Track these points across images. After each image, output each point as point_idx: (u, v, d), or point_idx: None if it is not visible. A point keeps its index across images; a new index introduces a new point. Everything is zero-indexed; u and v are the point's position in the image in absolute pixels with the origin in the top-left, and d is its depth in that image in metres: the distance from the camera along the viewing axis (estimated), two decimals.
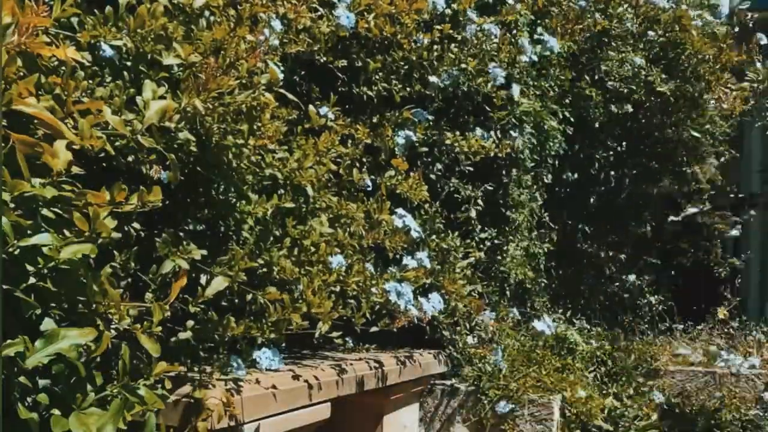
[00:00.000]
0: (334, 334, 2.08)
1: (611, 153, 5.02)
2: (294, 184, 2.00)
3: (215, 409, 1.51)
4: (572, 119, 4.39)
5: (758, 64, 5.03)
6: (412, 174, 2.50)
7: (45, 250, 1.16)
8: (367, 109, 2.67)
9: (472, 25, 2.93)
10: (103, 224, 1.23)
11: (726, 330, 4.46)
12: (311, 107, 2.12)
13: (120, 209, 1.29)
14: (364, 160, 2.48)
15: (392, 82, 2.68)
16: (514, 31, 3.41)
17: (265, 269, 1.85)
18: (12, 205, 1.15)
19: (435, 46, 2.76)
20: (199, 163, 1.75)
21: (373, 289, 2.04)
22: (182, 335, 1.64)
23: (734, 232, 5.76)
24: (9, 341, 1.09)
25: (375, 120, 2.63)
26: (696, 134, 5.05)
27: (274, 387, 1.74)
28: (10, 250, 1.12)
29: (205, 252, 1.61)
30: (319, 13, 2.18)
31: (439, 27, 2.72)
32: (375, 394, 2.24)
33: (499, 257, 3.60)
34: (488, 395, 2.88)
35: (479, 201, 3.43)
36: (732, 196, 6.13)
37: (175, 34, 1.51)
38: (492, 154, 2.98)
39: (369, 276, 2.06)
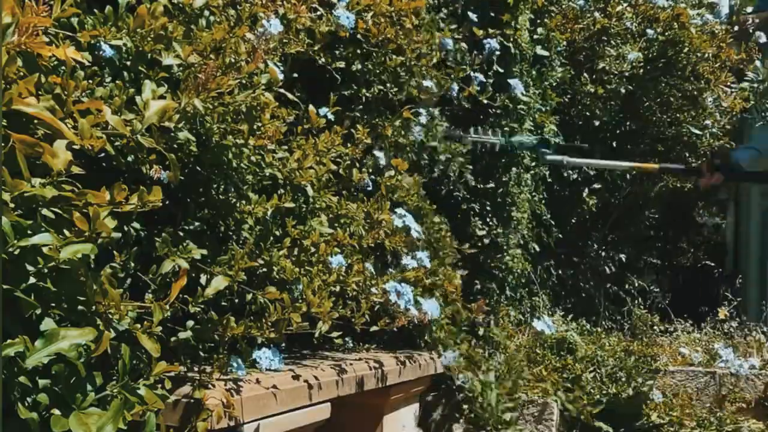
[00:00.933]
0: (334, 334, 2.08)
1: (611, 151, 5.02)
2: (294, 184, 2.00)
3: (215, 409, 1.51)
4: (571, 117, 4.40)
5: (758, 63, 5.03)
6: (414, 176, 2.51)
7: (45, 250, 1.16)
8: (367, 109, 2.67)
9: None
10: (103, 224, 1.22)
11: (726, 330, 4.46)
12: (311, 107, 2.12)
13: (120, 209, 1.29)
14: (365, 160, 2.49)
15: (387, 85, 2.69)
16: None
17: (265, 269, 1.85)
18: (12, 205, 1.15)
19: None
20: (199, 162, 1.75)
21: (373, 289, 2.04)
22: (182, 335, 1.64)
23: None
24: (9, 341, 1.09)
25: (376, 120, 2.63)
26: (696, 131, 5.06)
27: (274, 387, 1.74)
28: (10, 250, 1.12)
29: (205, 252, 1.61)
30: (318, 12, 2.18)
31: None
32: (375, 394, 2.24)
33: (499, 255, 3.61)
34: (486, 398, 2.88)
35: (480, 200, 3.43)
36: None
37: (175, 33, 1.51)
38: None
39: (369, 276, 2.06)
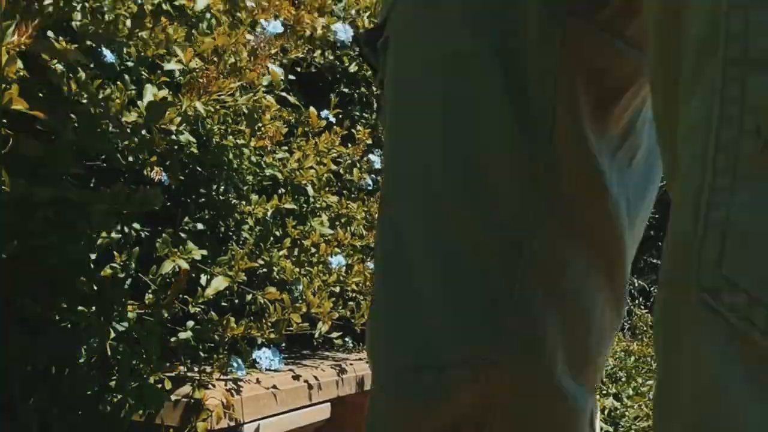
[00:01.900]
0: (334, 334, 2.08)
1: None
2: (294, 184, 2.00)
3: (215, 409, 1.51)
4: None
5: None
6: None
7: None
8: (367, 109, 2.67)
9: None
10: (103, 224, 1.23)
11: None
12: (312, 109, 2.13)
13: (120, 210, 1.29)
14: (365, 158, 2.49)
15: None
16: None
17: (265, 269, 1.85)
18: (11, 205, 1.15)
19: None
20: (199, 163, 1.75)
21: None
22: (182, 335, 1.64)
23: None
24: (9, 341, 1.09)
25: (375, 120, 2.63)
26: None
27: (274, 387, 1.74)
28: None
29: (205, 252, 1.61)
30: (321, 21, 2.19)
31: None
32: None
33: None
34: None
35: None
36: None
37: (175, 35, 1.52)
38: None
39: (369, 276, 2.06)
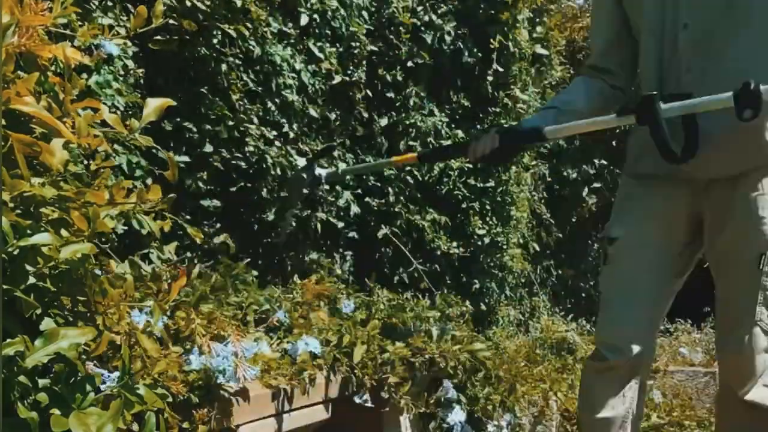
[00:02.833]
0: None
1: (610, 150, 5.03)
2: None
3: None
4: None
5: None
6: None
7: (45, 250, 1.16)
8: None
9: None
10: (103, 224, 1.22)
11: None
12: None
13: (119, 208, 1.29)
14: None
15: None
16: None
17: None
18: (11, 205, 1.15)
19: None
20: None
21: None
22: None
23: None
24: (9, 341, 1.08)
25: None
26: None
27: (274, 387, 1.73)
28: (10, 250, 1.12)
29: None
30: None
31: None
32: None
33: (498, 255, 3.60)
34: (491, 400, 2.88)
35: (480, 199, 3.43)
36: None
37: None
38: None
39: None
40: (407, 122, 3.21)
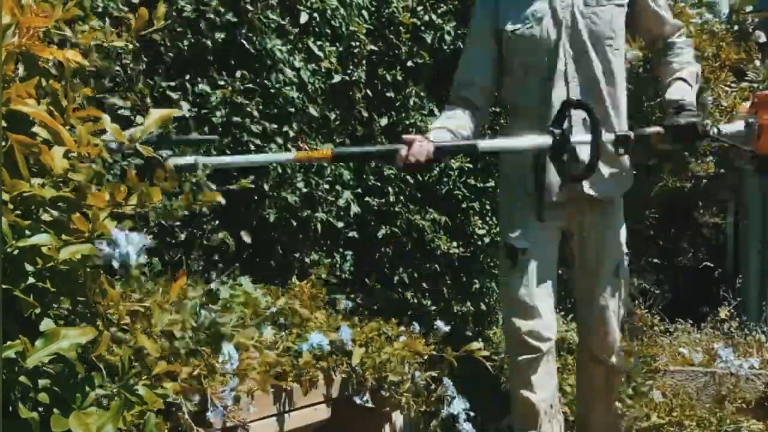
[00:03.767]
0: None
1: None
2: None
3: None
4: None
5: (757, 63, 5.02)
6: None
7: (44, 250, 1.16)
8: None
9: None
10: (103, 225, 1.23)
11: (726, 330, 4.46)
12: None
13: (120, 210, 1.29)
14: None
15: None
16: None
17: None
18: (11, 206, 1.15)
19: None
20: None
21: None
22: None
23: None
24: (9, 341, 1.09)
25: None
26: None
27: (274, 387, 1.74)
28: (9, 250, 1.12)
29: None
30: None
31: None
32: None
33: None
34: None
35: (480, 198, 3.43)
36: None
37: None
38: None
39: None
40: (407, 122, 3.22)
